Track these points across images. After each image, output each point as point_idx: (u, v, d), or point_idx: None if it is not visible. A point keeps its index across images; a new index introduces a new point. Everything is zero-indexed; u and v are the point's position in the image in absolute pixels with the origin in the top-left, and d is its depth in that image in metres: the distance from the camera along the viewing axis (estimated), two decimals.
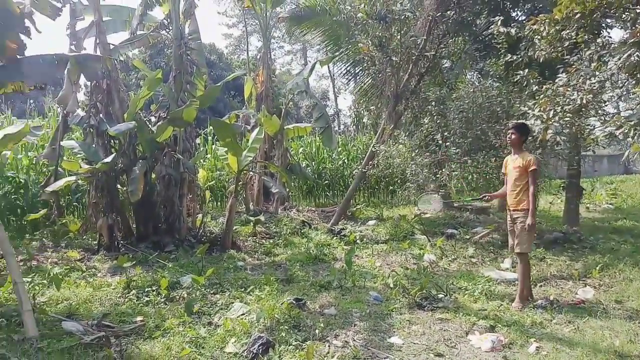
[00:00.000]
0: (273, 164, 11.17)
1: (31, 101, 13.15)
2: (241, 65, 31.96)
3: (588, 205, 13.43)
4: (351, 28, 11.31)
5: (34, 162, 10.31)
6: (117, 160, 8.15)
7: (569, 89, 5.97)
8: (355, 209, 12.36)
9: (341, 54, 13.38)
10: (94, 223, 8.32)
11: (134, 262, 6.96)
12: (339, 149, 16.44)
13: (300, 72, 13.54)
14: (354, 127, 24.41)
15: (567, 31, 6.03)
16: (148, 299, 5.53)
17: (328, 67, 32.41)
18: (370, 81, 12.78)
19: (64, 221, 8.85)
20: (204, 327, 4.73)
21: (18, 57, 5.08)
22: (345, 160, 16.01)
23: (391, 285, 6.12)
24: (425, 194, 7.34)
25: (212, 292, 5.87)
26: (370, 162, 10.40)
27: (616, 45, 5.20)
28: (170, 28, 9.03)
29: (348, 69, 14.04)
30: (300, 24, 13.58)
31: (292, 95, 13.47)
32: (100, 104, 8.46)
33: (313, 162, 15.76)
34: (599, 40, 6.23)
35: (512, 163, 5.57)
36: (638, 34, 4.68)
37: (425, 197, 7.21)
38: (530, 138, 6.37)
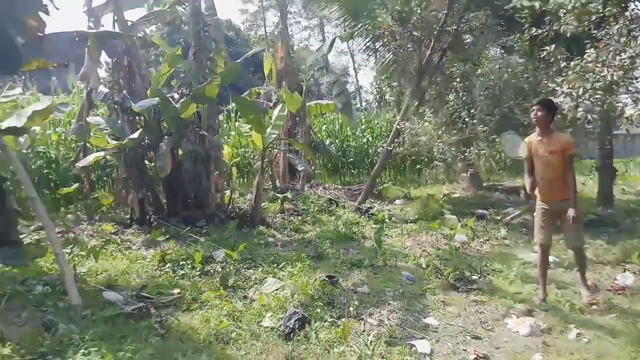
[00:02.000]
0: (297, 141, 11.12)
1: (54, 78, 13.15)
2: (259, 41, 31.70)
3: (623, 187, 12.98)
4: (370, 2, 11.02)
5: (62, 137, 10.46)
6: (144, 137, 8.16)
7: (598, 65, 5.77)
8: (381, 187, 12.27)
9: (360, 29, 12.92)
10: (125, 198, 8.43)
11: (166, 236, 7.08)
12: (363, 126, 16.27)
13: (320, 48, 13.32)
14: (376, 104, 24.13)
15: (594, 4, 5.80)
16: (183, 272, 5.62)
17: (347, 42, 32.03)
18: (391, 57, 12.47)
19: (96, 195, 9.00)
20: (240, 301, 4.78)
21: (39, 34, 5.04)
22: (370, 139, 15.83)
23: (423, 266, 6.08)
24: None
25: (245, 266, 5.93)
26: (395, 140, 10.26)
27: None
28: (187, 4, 8.91)
29: (368, 44, 13.51)
30: None
31: (312, 71, 13.29)
32: (123, 81, 8.46)
33: (337, 140, 15.67)
34: (627, 13, 5.99)
35: (544, 146, 4.80)
36: None
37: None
38: (559, 116, 6.03)
